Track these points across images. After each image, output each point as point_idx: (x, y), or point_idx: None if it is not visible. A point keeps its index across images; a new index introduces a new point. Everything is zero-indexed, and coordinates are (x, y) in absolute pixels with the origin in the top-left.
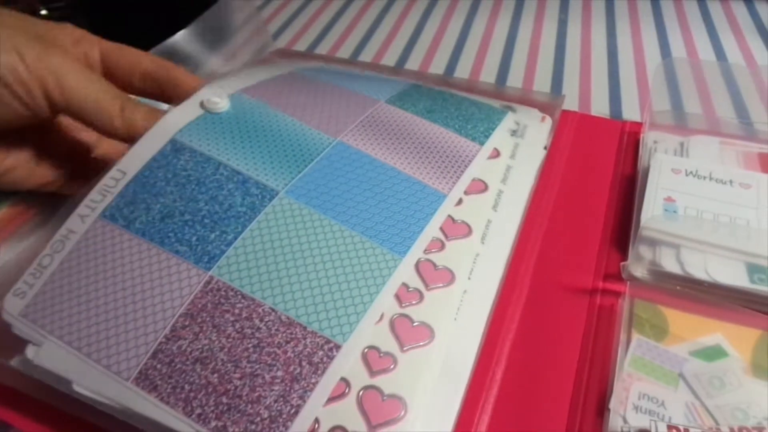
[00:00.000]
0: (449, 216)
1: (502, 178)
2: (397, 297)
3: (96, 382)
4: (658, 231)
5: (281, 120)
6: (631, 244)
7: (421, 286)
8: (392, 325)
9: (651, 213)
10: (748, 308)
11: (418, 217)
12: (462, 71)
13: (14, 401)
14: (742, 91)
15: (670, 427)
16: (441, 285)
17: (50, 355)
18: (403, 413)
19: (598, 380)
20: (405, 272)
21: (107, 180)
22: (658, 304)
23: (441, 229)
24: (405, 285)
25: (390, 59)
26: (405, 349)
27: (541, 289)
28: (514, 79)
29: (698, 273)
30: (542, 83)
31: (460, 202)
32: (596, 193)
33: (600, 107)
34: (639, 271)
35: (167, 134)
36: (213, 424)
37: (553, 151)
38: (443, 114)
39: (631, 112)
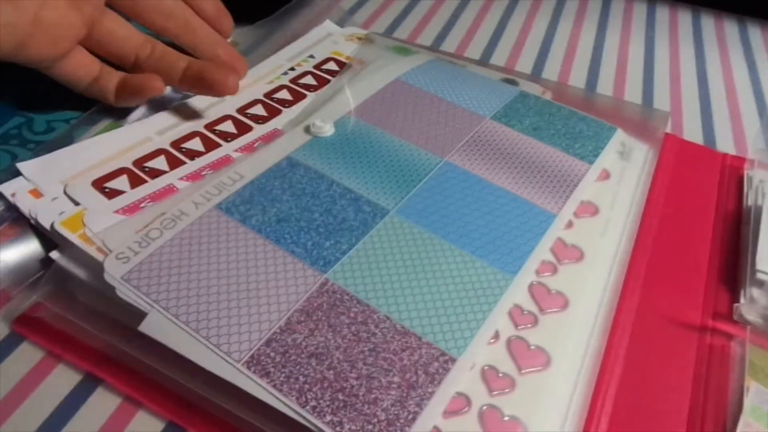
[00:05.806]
0: (560, 239)
1: (610, 203)
2: (512, 318)
3: (205, 360)
4: None
5: (388, 140)
6: (743, 287)
7: (535, 310)
8: (509, 346)
9: (766, 256)
10: None
11: (527, 237)
12: (550, 74)
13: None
14: None
15: None
16: (555, 310)
17: (156, 324)
18: None
19: (713, 423)
20: (517, 293)
21: (223, 178)
22: None
23: (552, 251)
24: (519, 307)
25: (474, 52)
26: (523, 372)
27: (648, 322)
28: (604, 91)
29: None
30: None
31: (570, 224)
32: (699, 227)
33: (692, 134)
34: (752, 315)
35: (283, 153)
36: (329, 418)
37: (656, 176)
38: (550, 131)
39: (724, 143)
